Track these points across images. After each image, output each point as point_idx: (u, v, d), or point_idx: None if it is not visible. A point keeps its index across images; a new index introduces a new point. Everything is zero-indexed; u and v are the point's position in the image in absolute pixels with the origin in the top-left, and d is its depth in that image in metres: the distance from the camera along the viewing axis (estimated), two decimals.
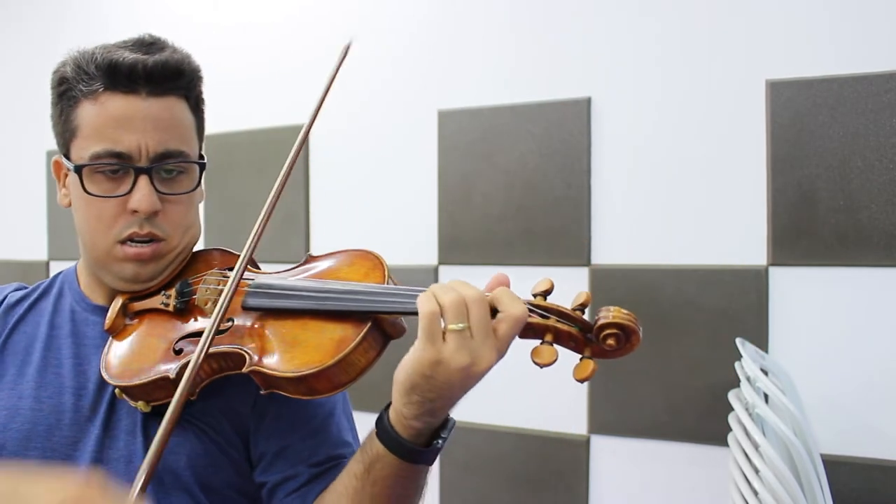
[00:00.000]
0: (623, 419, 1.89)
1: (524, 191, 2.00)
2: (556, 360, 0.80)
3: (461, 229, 2.07)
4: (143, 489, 0.79)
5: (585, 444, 1.94)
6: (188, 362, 0.87)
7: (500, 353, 0.80)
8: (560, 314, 0.83)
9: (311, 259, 1.01)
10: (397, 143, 2.18)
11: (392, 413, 0.84)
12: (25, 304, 1.09)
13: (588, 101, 1.94)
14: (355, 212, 2.24)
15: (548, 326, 0.82)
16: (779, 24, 1.76)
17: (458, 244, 2.08)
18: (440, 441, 0.85)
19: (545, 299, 0.85)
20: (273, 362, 0.89)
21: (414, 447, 0.84)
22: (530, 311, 0.82)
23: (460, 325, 0.78)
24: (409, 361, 0.80)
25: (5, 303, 1.09)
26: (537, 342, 0.82)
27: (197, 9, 2.48)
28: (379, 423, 0.85)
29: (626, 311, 0.80)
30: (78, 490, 0.70)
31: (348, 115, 2.20)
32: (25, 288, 1.13)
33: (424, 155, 2.12)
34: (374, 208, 2.21)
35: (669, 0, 1.87)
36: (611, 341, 0.80)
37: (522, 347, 0.82)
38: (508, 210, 2.01)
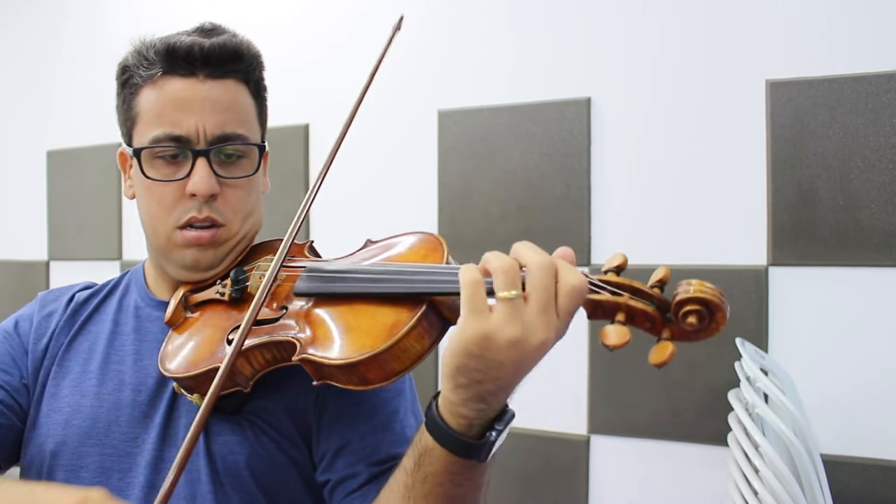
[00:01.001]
0: (623, 419, 1.89)
1: (524, 191, 2.00)
2: (627, 341, 0.70)
3: (461, 229, 2.07)
4: (167, 495, 0.74)
5: (585, 444, 1.94)
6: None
7: (558, 332, 0.72)
8: (634, 290, 0.73)
9: (369, 243, 0.98)
10: (397, 143, 2.18)
11: (441, 400, 0.77)
12: (92, 304, 1.08)
13: (588, 101, 1.94)
14: (355, 211, 2.24)
15: (619, 304, 0.72)
16: (779, 24, 1.76)
17: (457, 244, 2.07)
18: (493, 433, 0.75)
19: (618, 275, 0.75)
20: (322, 350, 0.83)
21: (463, 438, 0.75)
22: (600, 287, 0.73)
23: (511, 292, 0.70)
24: (454, 339, 0.73)
25: (73, 303, 1.08)
26: (608, 323, 0.72)
27: (197, 9, 2.48)
28: (428, 411, 0.78)
29: (709, 285, 0.70)
30: (84, 496, 0.74)
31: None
32: (93, 286, 1.12)
33: (424, 155, 2.12)
34: (374, 208, 2.21)
35: (669, 0, 1.87)
36: (692, 319, 0.70)
37: None
38: (508, 210, 2.01)
